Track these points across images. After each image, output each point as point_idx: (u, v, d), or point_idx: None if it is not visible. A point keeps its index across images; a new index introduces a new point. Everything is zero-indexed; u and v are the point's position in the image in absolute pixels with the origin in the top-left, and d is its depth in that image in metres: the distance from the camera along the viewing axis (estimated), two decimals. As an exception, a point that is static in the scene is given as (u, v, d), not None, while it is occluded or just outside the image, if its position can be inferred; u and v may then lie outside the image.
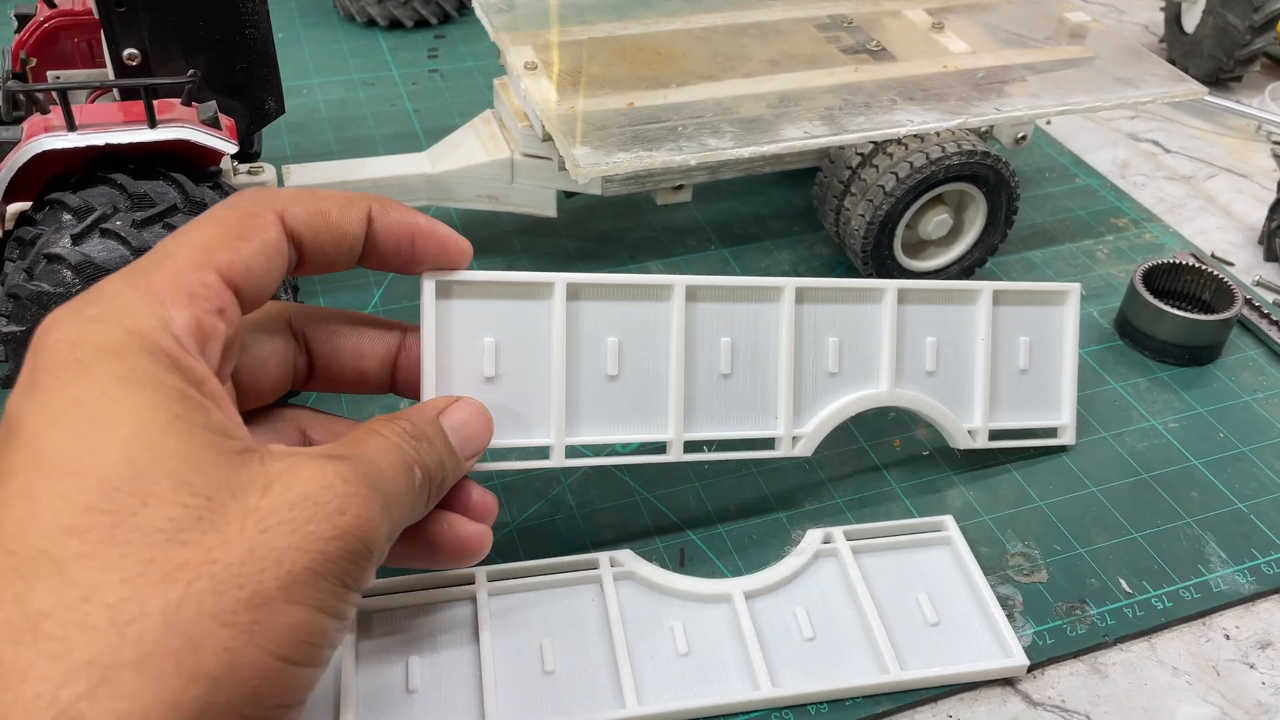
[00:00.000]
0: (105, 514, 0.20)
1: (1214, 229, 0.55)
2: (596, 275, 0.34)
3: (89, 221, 0.34)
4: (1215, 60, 0.65)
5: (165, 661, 0.19)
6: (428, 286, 0.31)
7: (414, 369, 0.31)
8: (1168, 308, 0.45)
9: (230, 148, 0.37)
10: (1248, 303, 0.48)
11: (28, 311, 0.34)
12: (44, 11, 0.42)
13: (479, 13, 0.51)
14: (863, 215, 0.46)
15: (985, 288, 0.38)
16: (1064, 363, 0.40)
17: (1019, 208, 0.48)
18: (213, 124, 0.37)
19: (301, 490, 0.22)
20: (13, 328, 0.34)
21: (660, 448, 0.35)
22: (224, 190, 0.37)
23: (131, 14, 0.36)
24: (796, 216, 0.54)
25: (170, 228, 0.35)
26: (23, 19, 0.42)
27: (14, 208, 0.38)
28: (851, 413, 0.37)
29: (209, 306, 0.24)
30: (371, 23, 0.70)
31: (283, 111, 0.39)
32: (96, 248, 0.34)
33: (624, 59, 0.48)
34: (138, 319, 0.22)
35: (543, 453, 0.33)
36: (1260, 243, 0.54)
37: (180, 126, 0.36)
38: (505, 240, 0.52)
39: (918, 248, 0.49)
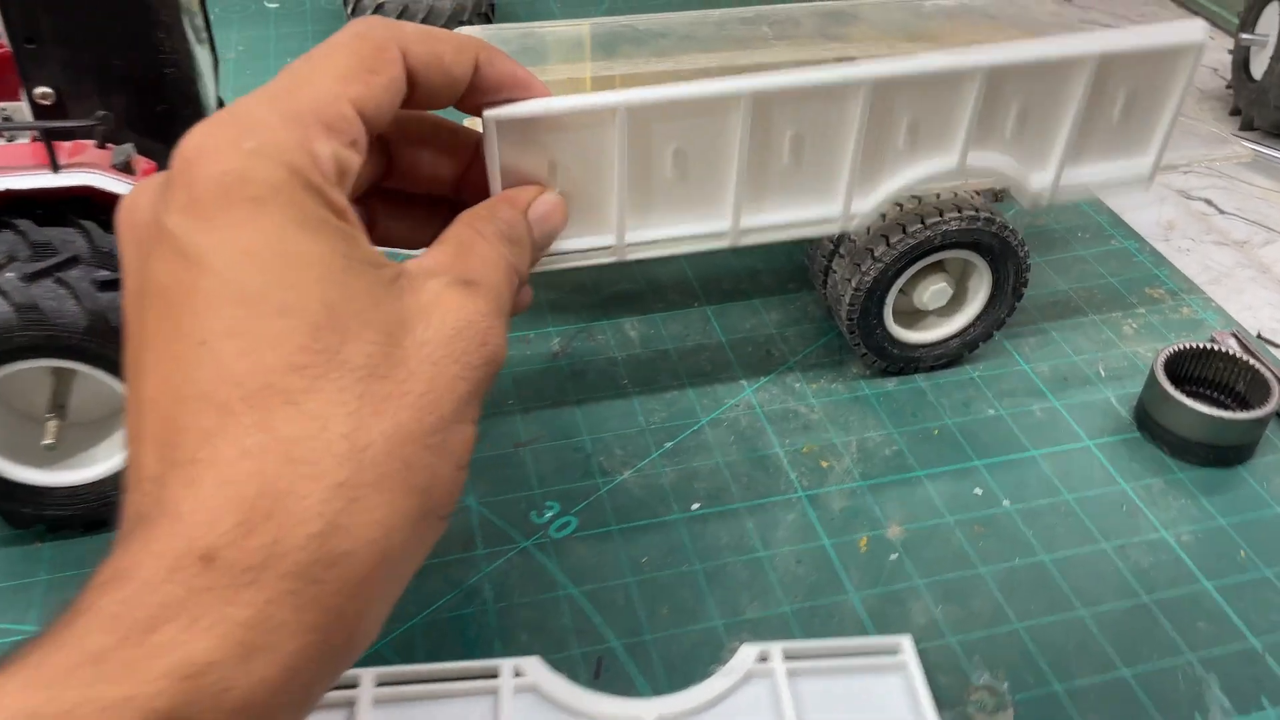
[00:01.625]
0: (317, 353, 0.21)
1: (1264, 304, 0.49)
2: (657, 91, 0.34)
3: (-19, 271, 0.32)
4: (1283, 111, 0.59)
5: (394, 480, 0.22)
6: (490, 125, 0.31)
7: (482, 184, 0.33)
8: (1189, 401, 0.40)
9: (141, 194, 0.34)
10: (1291, 395, 0.43)
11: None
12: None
13: (459, 46, 0.48)
14: (849, 280, 0.42)
15: (1091, 59, 0.37)
16: (1166, 109, 0.39)
17: (1029, 279, 0.43)
18: (125, 168, 0.34)
19: (454, 325, 0.24)
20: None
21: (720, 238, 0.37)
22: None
23: (43, 51, 0.34)
24: (794, 273, 0.50)
25: (62, 283, 0.33)
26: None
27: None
28: (918, 187, 0.38)
29: (345, 139, 0.24)
30: (382, 47, 0.68)
31: (211, 154, 0.37)
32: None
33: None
34: (293, 155, 0.23)
35: (605, 252, 0.36)
36: (1316, 323, 0.48)
37: (86, 171, 0.34)
38: (476, 287, 0.49)
39: (915, 317, 0.44)
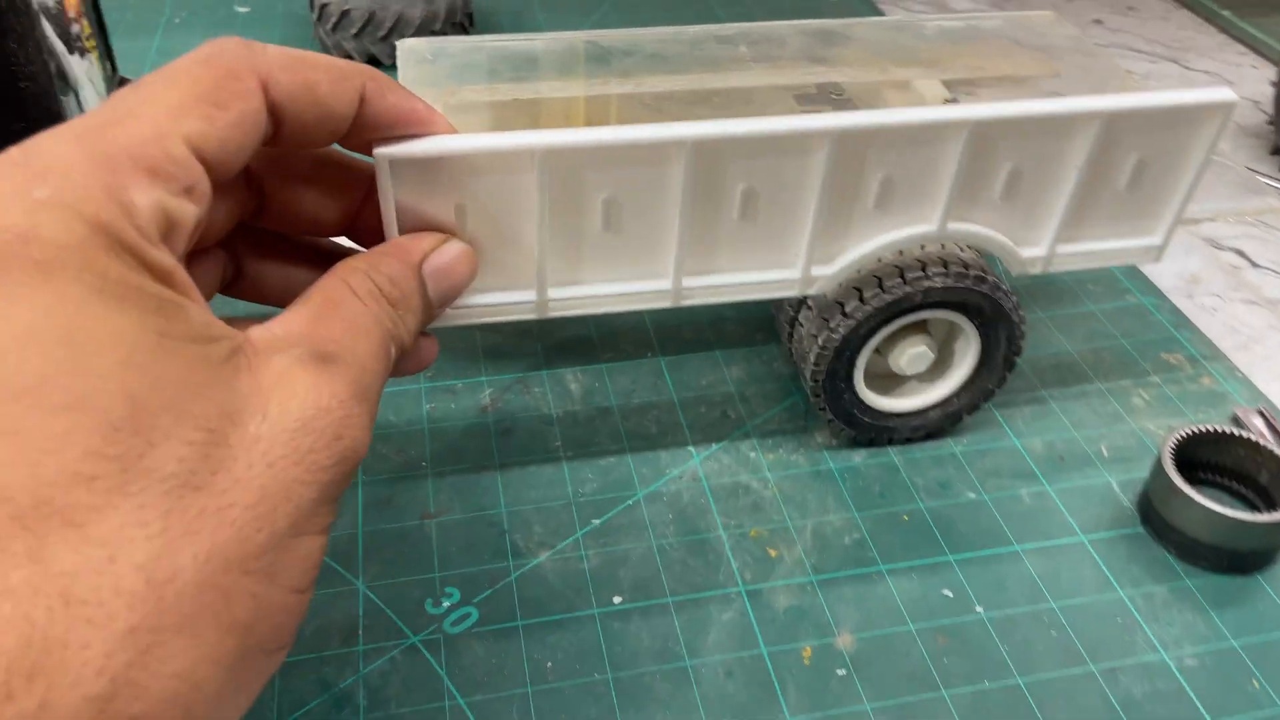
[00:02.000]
0: (111, 458, 0.17)
1: (1298, 376, 0.44)
2: (583, 134, 0.30)
3: None
4: (1329, 153, 0.53)
5: (205, 618, 0.18)
6: (383, 164, 0.27)
7: (377, 224, 0.29)
8: (1201, 497, 0.34)
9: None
10: (1325, 489, 0.37)
11: None
12: None
13: (398, 59, 0.43)
14: (815, 336, 0.36)
15: (1099, 117, 0.32)
16: (1181, 182, 0.35)
17: (1023, 346, 0.37)
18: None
19: (299, 415, 0.20)
20: None
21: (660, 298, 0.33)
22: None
23: (-126, 61, 0.29)
24: (765, 322, 0.45)
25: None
26: None
27: None
28: (887, 252, 0.34)
29: (176, 186, 0.20)
30: (347, 57, 0.64)
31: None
32: None
33: (546, 125, 0.40)
34: (97, 206, 0.19)
35: (524, 307, 0.32)
36: (1357, 400, 0.42)
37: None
38: (409, 327, 0.44)
39: (891, 382, 0.39)
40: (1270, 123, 0.59)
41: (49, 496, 0.17)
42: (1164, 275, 0.49)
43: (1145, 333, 0.45)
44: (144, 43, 0.67)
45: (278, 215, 0.28)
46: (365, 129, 0.26)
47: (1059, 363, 0.43)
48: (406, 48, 0.44)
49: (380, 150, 0.28)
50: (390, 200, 0.29)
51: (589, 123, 0.40)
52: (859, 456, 0.39)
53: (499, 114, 0.40)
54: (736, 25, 0.47)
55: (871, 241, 0.34)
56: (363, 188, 0.29)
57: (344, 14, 0.62)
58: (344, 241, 0.30)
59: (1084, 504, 0.37)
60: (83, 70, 0.34)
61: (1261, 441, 0.36)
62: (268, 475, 0.19)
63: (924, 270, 0.34)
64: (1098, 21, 0.73)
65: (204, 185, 0.21)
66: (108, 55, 0.37)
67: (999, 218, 0.35)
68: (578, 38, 0.45)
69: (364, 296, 0.24)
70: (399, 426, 0.39)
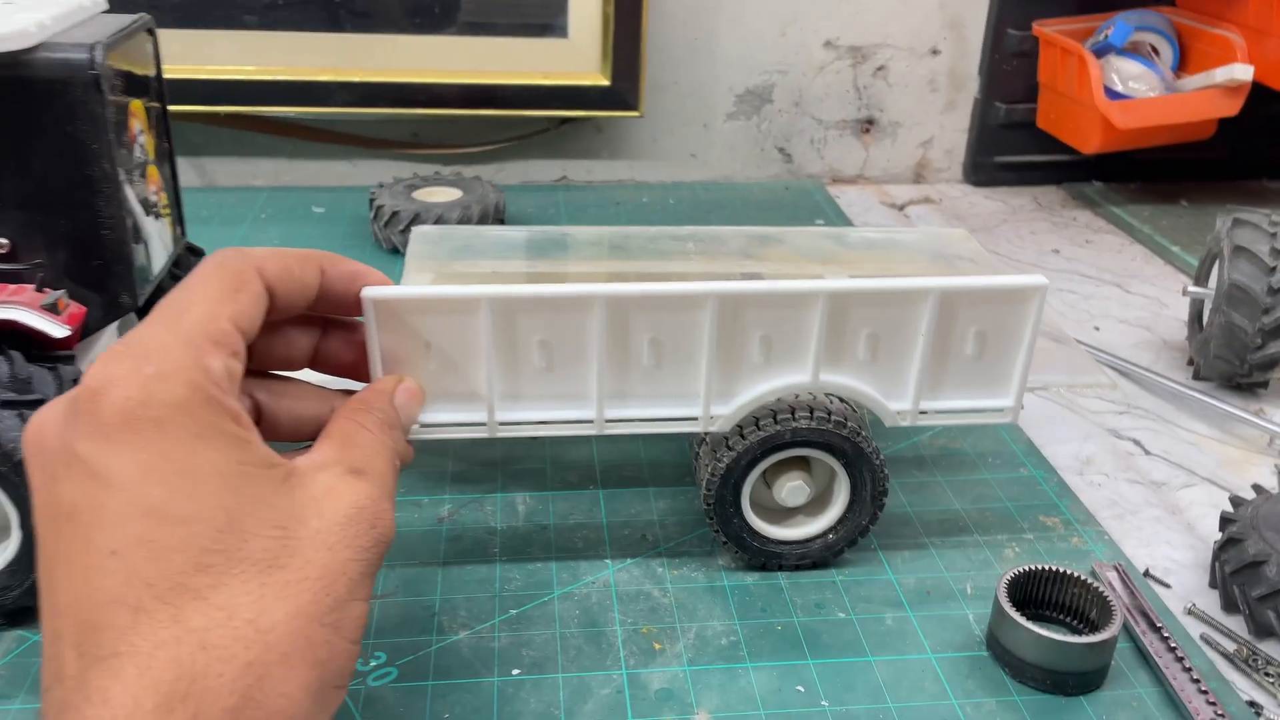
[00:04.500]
0: (218, 553, 0.25)
1: (1162, 543, 0.48)
2: (520, 288, 0.38)
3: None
4: (1226, 362, 0.59)
5: (297, 656, 0.25)
6: (368, 303, 0.36)
7: (337, 357, 0.38)
8: (1024, 621, 0.39)
9: (59, 331, 0.40)
10: (1157, 631, 0.41)
11: None
12: None
13: (411, 240, 0.54)
14: (708, 465, 0.43)
15: (932, 291, 0.40)
16: (1018, 352, 0.42)
17: (888, 489, 0.44)
18: (52, 309, 0.40)
19: (345, 513, 0.28)
20: None
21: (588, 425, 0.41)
22: (55, 369, 0.40)
23: (3, 209, 0.40)
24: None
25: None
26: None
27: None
28: (773, 398, 0.42)
29: (229, 351, 0.29)
30: (395, 251, 0.76)
31: (136, 305, 0.43)
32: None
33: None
34: (192, 373, 0.27)
35: (479, 428, 0.40)
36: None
37: (15, 308, 0.39)
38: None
39: (783, 514, 0.45)
40: (1188, 338, 0.66)
41: (180, 580, 0.24)
42: (1060, 455, 0.55)
43: (1030, 499, 0.51)
44: (233, 230, 0.80)
45: (261, 359, 0.36)
46: (330, 292, 0.35)
47: (945, 518, 0.49)
48: (419, 232, 0.55)
49: (366, 292, 0.37)
50: (374, 333, 0.37)
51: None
52: (751, 578, 0.45)
53: (478, 282, 0.50)
54: (691, 227, 0.57)
55: (759, 387, 0.42)
56: (316, 334, 0.37)
57: (394, 214, 0.75)
58: (315, 377, 0.38)
59: (939, 629, 0.42)
60: (156, 230, 0.45)
61: (1093, 583, 0.41)
62: (328, 556, 0.27)
63: (793, 414, 0.42)
64: (1055, 251, 0.82)
65: (243, 349, 0.30)
66: (179, 221, 0.48)
67: (867, 374, 0.42)
68: (556, 231, 0.55)
69: (372, 428, 0.33)
70: (368, 528, 0.47)
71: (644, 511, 0.49)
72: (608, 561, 0.46)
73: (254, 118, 0.87)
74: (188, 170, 0.88)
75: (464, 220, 0.75)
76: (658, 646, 0.41)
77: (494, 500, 0.49)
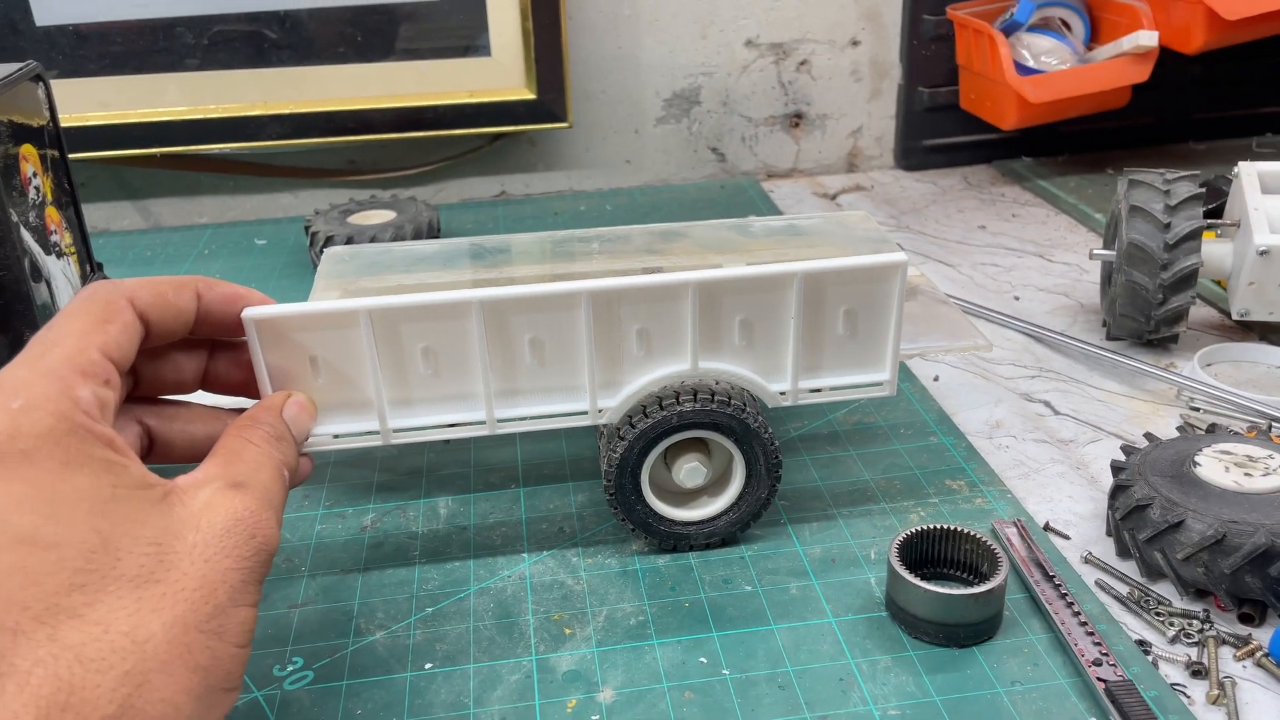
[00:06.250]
0: (92, 571, 0.26)
1: (1065, 497, 0.50)
2: (397, 298, 0.40)
3: None
4: (1133, 320, 0.61)
5: (175, 663, 0.27)
6: (249, 324, 0.38)
7: (225, 378, 0.40)
8: (914, 579, 0.41)
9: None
10: (1050, 580, 0.43)
11: None
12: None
13: (321, 261, 0.55)
14: (604, 456, 0.45)
15: (795, 275, 0.42)
16: (888, 327, 0.43)
17: (781, 461, 0.45)
18: (-46, 352, 0.42)
19: (223, 525, 0.29)
20: None
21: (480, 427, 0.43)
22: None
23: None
24: (615, 461, 0.53)
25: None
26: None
27: None
28: (658, 386, 0.44)
29: (100, 380, 0.30)
30: (330, 272, 0.77)
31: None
32: None
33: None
34: (57, 403, 0.28)
35: (372, 436, 0.42)
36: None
37: (-85, 352, 0.41)
38: (317, 470, 0.54)
39: (686, 496, 0.47)
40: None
41: (55, 601, 0.26)
42: (971, 421, 0.56)
43: (938, 465, 0.52)
44: (175, 268, 0.82)
45: (149, 385, 0.38)
46: (208, 315, 0.37)
47: (854, 489, 0.51)
48: (329, 253, 0.56)
49: (246, 313, 0.39)
50: (259, 352, 0.39)
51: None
52: (663, 560, 0.46)
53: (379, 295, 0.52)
54: (597, 230, 0.58)
55: (642, 378, 0.43)
56: (203, 356, 0.39)
57: (328, 239, 0.76)
58: (208, 399, 0.40)
59: (841, 595, 0.44)
60: (59, 268, 0.46)
61: (982, 538, 0.43)
62: (206, 567, 0.28)
63: (677, 399, 0.43)
64: (981, 227, 0.84)
65: (115, 377, 0.31)
66: (88, 258, 0.50)
67: (745, 359, 0.44)
68: (465, 241, 0.57)
69: (257, 441, 0.35)
70: (291, 543, 0.48)
71: (563, 506, 0.50)
72: (524, 555, 0.47)
73: (192, 157, 0.88)
74: (131, 213, 0.90)
75: (398, 239, 0.77)
76: (568, 631, 0.42)
77: (417, 506, 0.51)
